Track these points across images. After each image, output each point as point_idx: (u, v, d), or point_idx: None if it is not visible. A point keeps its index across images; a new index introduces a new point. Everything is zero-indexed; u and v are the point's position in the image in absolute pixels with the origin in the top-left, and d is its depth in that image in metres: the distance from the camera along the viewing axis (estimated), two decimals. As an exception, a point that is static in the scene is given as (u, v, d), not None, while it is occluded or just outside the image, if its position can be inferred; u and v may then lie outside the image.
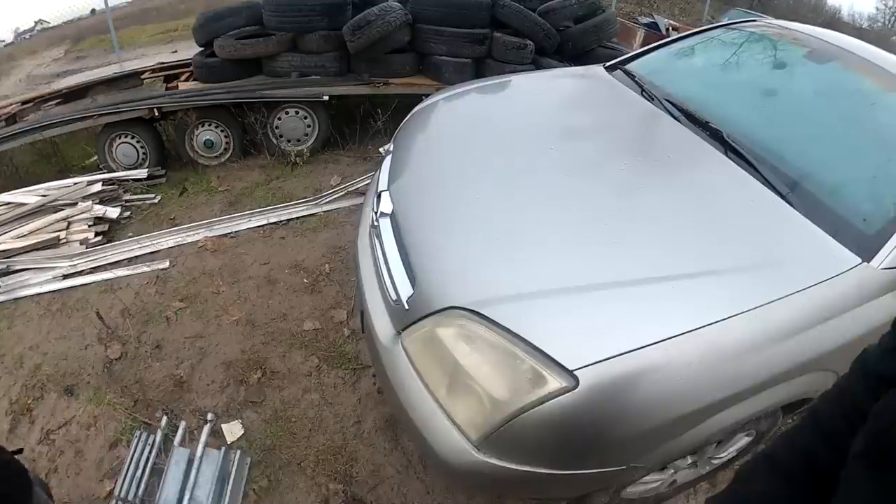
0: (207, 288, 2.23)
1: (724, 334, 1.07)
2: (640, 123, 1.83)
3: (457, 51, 3.25)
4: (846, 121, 1.77)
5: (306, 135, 3.32)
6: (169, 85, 3.24)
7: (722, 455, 1.51)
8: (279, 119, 3.20)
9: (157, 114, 3.00)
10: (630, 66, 2.19)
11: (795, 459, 0.60)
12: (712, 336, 1.06)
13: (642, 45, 4.00)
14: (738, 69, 2.09)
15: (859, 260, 1.23)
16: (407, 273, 1.30)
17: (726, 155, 1.56)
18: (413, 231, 1.39)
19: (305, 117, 3.27)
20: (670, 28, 4.31)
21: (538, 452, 1.11)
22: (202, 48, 3.29)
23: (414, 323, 1.22)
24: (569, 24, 3.46)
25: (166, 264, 2.35)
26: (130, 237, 2.56)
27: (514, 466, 1.10)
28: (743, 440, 1.49)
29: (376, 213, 1.52)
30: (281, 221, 2.70)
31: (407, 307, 1.24)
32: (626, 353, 1.01)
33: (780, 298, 1.13)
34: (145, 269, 2.32)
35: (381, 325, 1.35)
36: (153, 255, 2.43)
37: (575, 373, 1.00)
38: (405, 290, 1.27)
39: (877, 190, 1.47)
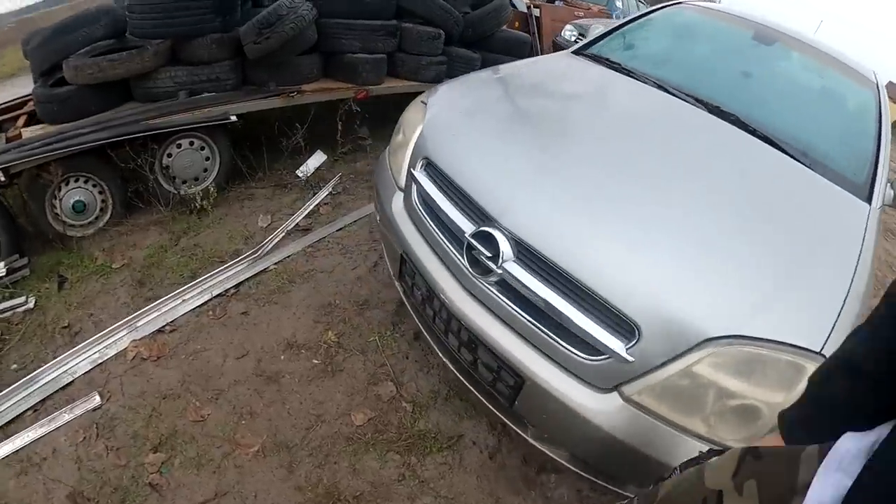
0: (182, 418, 1.57)
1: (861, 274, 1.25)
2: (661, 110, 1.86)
3: (372, 46, 2.83)
4: (814, 95, 2.14)
5: (205, 170, 2.56)
6: (8, 135, 2.12)
7: None
8: (169, 156, 2.39)
9: None
10: (595, 51, 2.28)
11: (876, 356, 0.57)
12: (860, 281, 1.22)
13: (511, 25, 4.11)
14: (710, 54, 2.30)
15: (867, 205, 1.55)
16: (602, 320, 1.11)
17: (755, 136, 1.71)
18: (579, 265, 1.14)
19: (202, 148, 2.51)
20: (531, 6, 4.41)
21: None
22: (42, 76, 2.23)
23: (645, 374, 1.09)
24: (467, 10, 3.28)
25: (96, 400, 1.58)
26: (17, 371, 1.65)
27: None
28: None
29: (498, 257, 1.20)
30: (229, 291, 2.03)
31: (632, 360, 1.07)
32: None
33: (865, 245, 1.34)
34: (67, 417, 1.52)
35: (573, 391, 1.16)
36: (67, 392, 1.60)
37: (822, 352, 1.03)
38: (616, 344, 1.08)
39: (849, 149, 1.84)
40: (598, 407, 1.12)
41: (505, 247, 1.20)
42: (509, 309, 1.22)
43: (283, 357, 1.78)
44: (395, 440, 1.56)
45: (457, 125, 1.59)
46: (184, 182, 2.48)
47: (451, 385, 1.75)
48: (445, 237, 1.37)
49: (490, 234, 1.22)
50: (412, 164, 1.55)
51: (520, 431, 1.36)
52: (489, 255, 1.20)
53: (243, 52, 2.47)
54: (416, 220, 1.50)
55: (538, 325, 1.18)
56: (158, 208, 2.40)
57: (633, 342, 1.07)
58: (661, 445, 1.09)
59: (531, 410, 1.28)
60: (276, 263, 2.20)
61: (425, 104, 1.72)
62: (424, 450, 1.55)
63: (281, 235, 2.37)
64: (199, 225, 2.40)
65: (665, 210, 1.27)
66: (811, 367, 1.00)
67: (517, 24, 4.28)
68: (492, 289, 1.24)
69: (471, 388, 1.43)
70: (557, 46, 4.15)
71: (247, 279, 2.10)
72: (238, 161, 2.64)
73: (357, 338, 1.87)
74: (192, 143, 2.45)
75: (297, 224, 2.43)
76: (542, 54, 4.05)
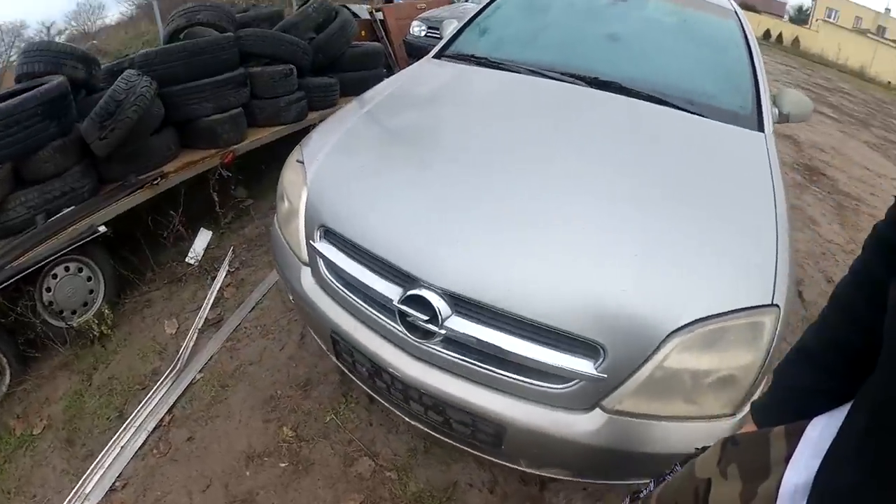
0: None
1: (780, 208, 1.37)
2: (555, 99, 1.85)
3: (224, 103, 2.63)
4: (682, 39, 2.23)
5: (91, 292, 2.31)
6: None
7: None
8: (48, 290, 2.12)
9: None
10: (456, 50, 2.26)
11: (823, 345, 0.66)
12: (782, 217, 1.34)
13: (358, 37, 3.97)
14: (572, 23, 2.34)
15: (762, 133, 1.71)
16: (564, 349, 1.12)
17: (640, 98, 1.80)
18: (522, 303, 1.11)
19: (81, 270, 2.25)
20: (373, 11, 4.27)
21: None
22: None
23: (621, 384, 1.11)
24: (312, 36, 3.13)
25: None
26: None
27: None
28: None
29: (437, 317, 1.14)
30: (164, 420, 1.88)
31: (605, 376, 1.09)
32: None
33: (773, 172, 1.49)
34: None
35: (555, 421, 1.16)
36: None
37: (774, 301, 1.10)
38: (585, 366, 1.10)
39: (729, 83, 1.98)
40: (584, 428, 1.14)
41: (440, 305, 1.13)
42: (466, 364, 1.18)
43: (248, 473, 1.69)
44: (386, 504, 1.56)
45: (344, 180, 1.46)
46: (73, 312, 2.23)
47: (425, 437, 1.74)
48: (373, 308, 1.28)
49: (420, 297, 1.14)
50: (309, 235, 1.42)
51: (513, 465, 1.35)
52: (426, 317, 1.13)
53: (92, 152, 2.22)
54: (334, 294, 1.39)
55: (500, 371, 1.16)
56: (58, 350, 2.15)
57: (601, 360, 1.08)
58: (656, 438, 1.13)
59: (520, 449, 1.27)
60: (200, 371, 2.05)
61: (302, 162, 1.57)
62: (425, 512, 1.56)
63: (194, 337, 2.20)
64: (105, 354, 2.18)
65: (583, 217, 1.25)
66: (770, 319, 1.08)
67: (363, 33, 4.16)
68: (441, 349, 1.19)
69: (449, 441, 1.38)
70: (409, 46, 4.08)
71: (177, 400, 1.94)
72: (122, 270, 2.39)
73: (314, 423, 1.81)
74: (68, 270, 2.19)
75: (206, 319, 2.27)
76: (395, 59, 3.96)
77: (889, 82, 19.16)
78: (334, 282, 1.37)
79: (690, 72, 2.05)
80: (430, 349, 1.20)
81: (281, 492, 1.62)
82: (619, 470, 1.28)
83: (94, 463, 1.73)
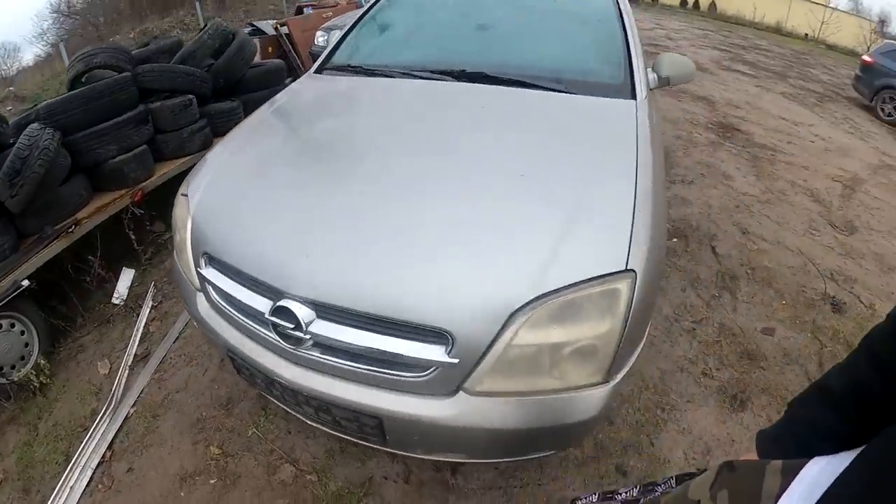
0: None
1: (645, 175, 1.41)
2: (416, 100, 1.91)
3: (127, 143, 2.69)
4: (553, 17, 2.31)
5: (27, 345, 2.40)
6: None
7: None
8: (-20, 352, 2.21)
9: None
10: (336, 62, 2.29)
11: (844, 387, 0.64)
12: (646, 183, 1.38)
13: (266, 53, 3.98)
14: (444, 17, 2.41)
15: (633, 101, 1.79)
16: (416, 339, 1.16)
17: (508, 85, 1.87)
18: (370, 301, 1.18)
19: (13, 325, 2.33)
20: (278, 26, 4.26)
21: (639, 330, 1.23)
22: None
23: (476, 366, 1.14)
24: (211, 62, 3.15)
25: None
26: None
27: (629, 359, 1.24)
28: None
29: (301, 324, 1.22)
30: (105, 456, 2.00)
31: (457, 361, 1.13)
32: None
33: (640, 141, 1.54)
34: None
35: (421, 409, 1.20)
36: None
37: (628, 267, 1.13)
38: (437, 353, 1.14)
39: (602, 54, 2.07)
40: (449, 411, 1.17)
41: (302, 312, 1.19)
42: (337, 364, 1.24)
43: (182, 494, 1.82)
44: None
45: (220, 207, 1.53)
46: (12, 367, 2.33)
47: (339, 439, 1.83)
48: (253, 322, 1.36)
49: (285, 307, 1.21)
50: (196, 263, 1.50)
51: (409, 454, 1.44)
52: (291, 325, 1.20)
53: (7, 210, 2.27)
54: (223, 314, 1.48)
55: (368, 367, 1.22)
56: (3, 405, 2.25)
57: (450, 346, 1.11)
58: (526, 414, 1.15)
59: (404, 438, 1.33)
60: (133, 406, 2.16)
61: (186, 196, 1.65)
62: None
63: (125, 375, 2.31)
64: (48, 403, 2.29)
65: (435, 214, 1.29)
66: (624, 285, 1.10)
67: (271, 50, 4.14)
68: (313, 353, 1.25)
69: (346, 437, 1.47)
70: (315, 56, 4.11)
71: (115, 435, 2.07)
72: (53, 320, 2.49)
73: (237, 438, 1.95)
74: (0, 327, 2.28)
75: (135, 355, 2.39)
76: (304, 72, 3.99)
77: (806, 34, 19.45)
78: (222, 303, 1.45)
79: (561, 51, 2.12)
80: (304, 354, 1.26)
81: (222, 497, 1.76)
82: (510, 446, 1.30)
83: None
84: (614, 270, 1.11)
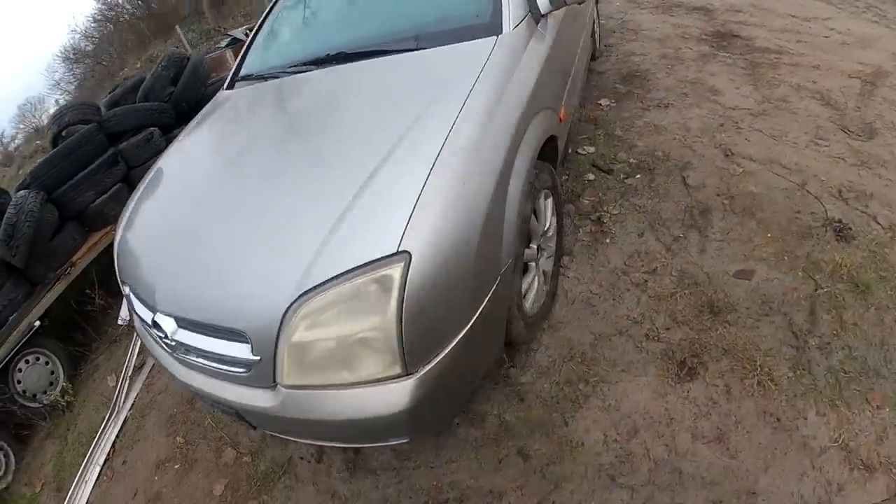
0: None
1: (466, 131, 1.15)
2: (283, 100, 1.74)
3: (103, 185, 2.71)
4: None
5: (53, 373, 2.54)
6: None
7: (548, 229, 1.64)
8: (19, 382, 2.40)
9: None
10: (245, 72, 2.06)
11: None
12: (461, 141, 1.13)
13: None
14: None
15: (495, 37, 1.42)
16: (229, 340, 1.13)
17: (369, 57, 1.58)
18: (193, 308, 1.19)
19: (38, 359, 2.49)
20: (247, 32, 4.05)
21: (441, 317, 1.03)
22: None
23: (275, 362, 1.07)
24: (171, 90, 3.03)
25: None
26: None
27: (442, 348, 1.05)
28: (546, 203, 1.61)
29: (167, 333, 1.25)
30: (110, 453, 2.12)
31: (258, 358, 1.07)
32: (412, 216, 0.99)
33: (476, 89, 1.24)
34: None
35: (256, 400, 1.15)
36: None
37: (401, 248, 0.96)
38: (243, 351, 1.10)
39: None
40: (275, 402, 1.11)
41: (164, 322, 1.23)
42: (202, 364, 1.24)
43: (156, 478, 1.88)
44: (249, 490, 1.66)
45: (131, 240, 1.55)
46: (44, 393, 2.48)
47: None
48: (150, 333, 1.40)
49: (156, 321, 1.25)
50: (123, 288, 1.55)
51: (285, 438, 1.44)
52: (163, 335, 1.25)
53: (13, 265, 2.38)
54: (140, 331, 1.54)
55: (216, 365, 1.20)
56: (41, 425, 2.45)
57: (251, 345, 1.07)
58: (331, 406, 1.05)
59: (263, 424, 1.30)
60: (130, 409, 2.26)
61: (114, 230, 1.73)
62: (270, 485, 1.64)
63: (126, 385, 2.38)
64: (73, 417, 2.44)
65: (248, 219, 1.24)
66: (397, 270, 0.94)
67: None
68: (189, 356, 1.26)
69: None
70: None
71: (117, 436, 2.16)
72: (72, 348, 2.61)
73: (197, 428, 1.96)
74: (28, 362, 2.44)
75: (133, 367, 2.44)
76: None
77: None
78: (136, 318, 1.49)
79: (422, 6, 1.73)
80: (184, 357, 1.28)
81: (176, 487, 1.81)
82: (338, 436, 1.21)
83: (66, 498, 2.01)
84: (383, 255, 0.95)
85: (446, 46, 1.47)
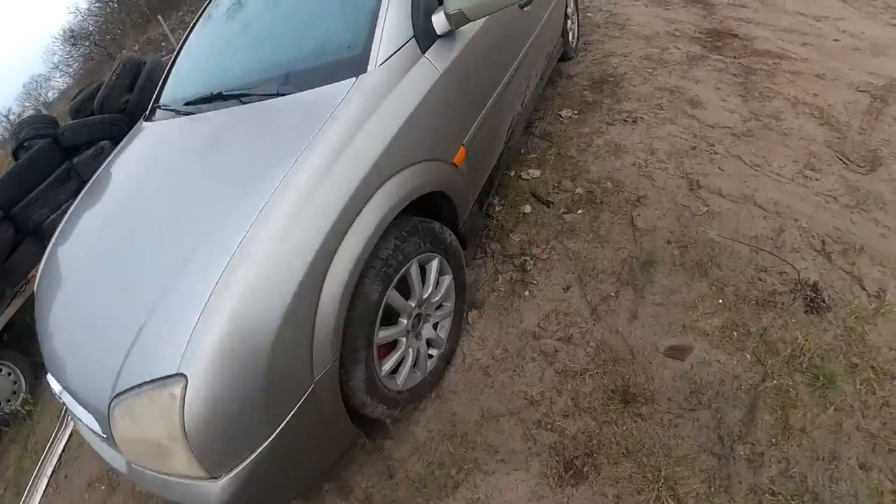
0: None
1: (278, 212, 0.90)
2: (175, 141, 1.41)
3: (57, 201, 2.49)
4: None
5: (15, 382, 2.45)
6: None
7: (432, 295, 1.29)
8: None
9: None
10: (162, 101, 1.68)
11: None
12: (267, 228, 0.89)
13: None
14: (228, 26, 1.71)
15: (354, 78, 1.08)
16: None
17: (240, 101, 1.26)
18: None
19: (0, 369, 2.38)
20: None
21: (232, 429, 0.88)
22: None
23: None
24: (127, 98, 2.73)
25: None
26: None
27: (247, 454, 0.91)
28: (431, 265, 1.27)
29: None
30: (55, 468, 1.99)
31: (105, 436, 1.00)
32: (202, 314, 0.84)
33: (302, 159, 0.95)
34: None
35: (119, 465, 1.05)
36: None
37: (179, 370, 0.83)
38: (93, 423, 1.02)
39: (344, 27, 1.27)
40: (127, 470, 1.02)
41: (52, 381, 1.17)
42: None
43: (87, 496, 1.76)
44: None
45: (40, 288, 1.37)
46: (8, 401, 2.40)
47: None
48: None
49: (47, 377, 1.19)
50: None
51: None
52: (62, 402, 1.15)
53: None
54: None
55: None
56: (5, 430, 2.37)
57: (98, 422, 1.00)
58: (176, 492, 0.95)
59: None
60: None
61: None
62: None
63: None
64: (33, 426, 2.35)
65: (95, 307, 1.08)
66: (177, 388, 0.82)
67: None
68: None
69: None
70: None
71: (63, 449, 2.05)
72: (33, 359, 2.49)
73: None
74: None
75: None
76: None
77: None
78: None
79: (302, 36, 1.34)
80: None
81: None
82: None
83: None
84: (164, 375, 0.84)
85: (305, 92, 1.12)
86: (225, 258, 0.86)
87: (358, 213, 0.96)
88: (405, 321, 1.21)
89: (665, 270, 1.56)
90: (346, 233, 0.94)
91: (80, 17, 17.31)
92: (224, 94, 1.30)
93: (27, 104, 19.49)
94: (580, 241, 1.72)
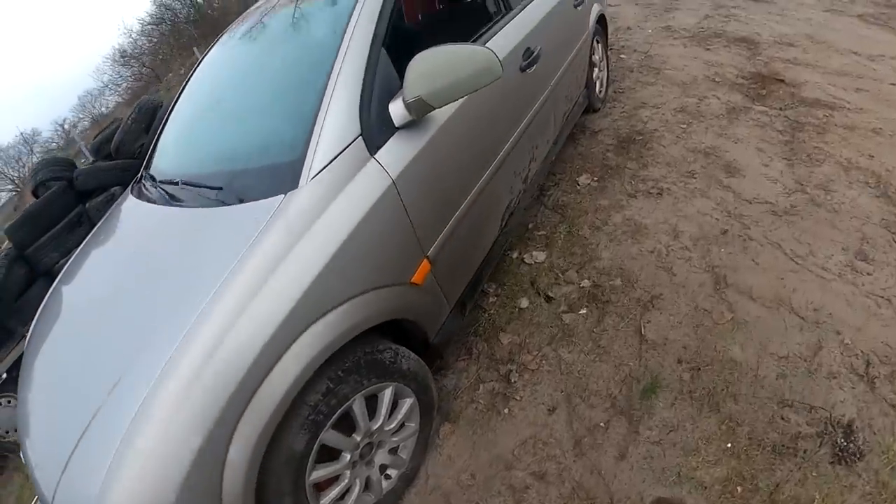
0: None
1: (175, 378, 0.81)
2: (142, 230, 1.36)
3: (68, 245, 2.60)
4: (282, 67, 1.40)
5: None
6: None
7: (383, 424, 1.17)
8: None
9: None
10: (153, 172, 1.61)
11: None
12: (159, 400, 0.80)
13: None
14: (209, 96, 1.63)
15: (283, 197, 0.98)
16: None
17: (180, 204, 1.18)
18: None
19: (10, 401, 2.54)
20: None
21: None
22: None
23: None
24: (142, 143, 2.81)
25: None
26: None
27: None
28: (384, 394, 1.15)
29: None
30: None
31: None
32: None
33: (205, 310, 0.86)
34: None
35: None
36: None
37: None
38: None
39: (286, 128, 1.15)
40: None
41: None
42: None
43: None
44: None
45: (24, 366, 1.28)
46: (16, 431, 2.53)
47: None
48: None
49: None
50: None
51: None
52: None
53: None
54: None
55: None
56: (11, 457, 2.55)
57: None
58: None
59: None
60: None
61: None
62: None
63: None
64: None
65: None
66: None
67: None
68: None
69: None
70: None
71: None
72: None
73: None
74: (0, 404, 2.47)
75: None
76: None
77: None
78: None
79: (245, 133, 1.26)
80: None
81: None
82: None
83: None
84: None
85: (231, 208, 1.04)
86: (134, 407, 0.79)
87: (273, 366, 0.86)
88: (348, 456, 1.10)
89: (669, 399, 1.36)
90: (255, 391, 0.84)
91: (130, 39, 18.73)
92: (168, 193, 1.24)
93: (81, 115, 21.35)
94: (577, 350, 1.54)
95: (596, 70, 2.53)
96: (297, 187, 0.98)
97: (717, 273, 1.67)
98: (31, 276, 2.54)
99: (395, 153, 1.11)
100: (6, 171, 20.23)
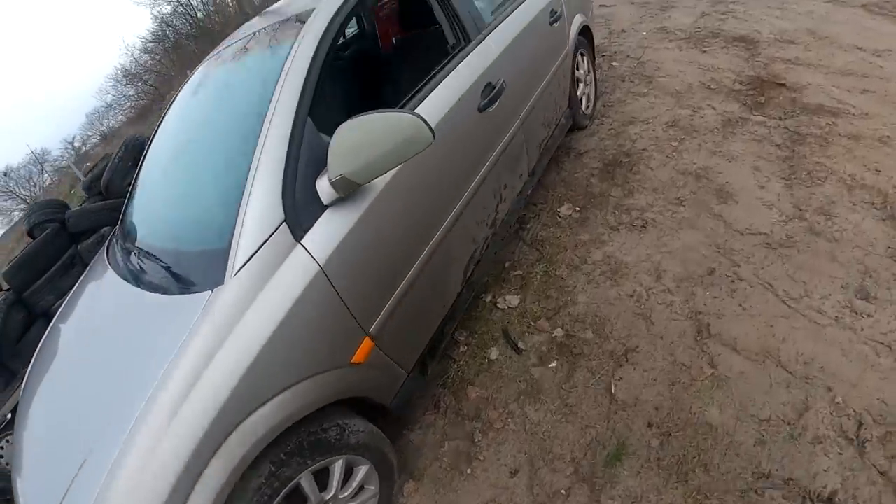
0: None
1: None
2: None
3: (61, 286, 2.67)
4: (218, 129, 1.40)
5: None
6: None
7: (337, 493, 1.16)
8: (1, 458, 2.57)
9: None
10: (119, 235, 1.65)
11: None
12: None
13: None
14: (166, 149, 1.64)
15: (209, 293, 0.96)
16: None
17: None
18: None
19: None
20: None
21: None
22: None
23: None
24: (130, 180, 2.86)
25: None
26: None
27: None
28: (335, 466, 1.14)
29: None
30: None
31: None
32: None
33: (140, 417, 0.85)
34: None
35: None
36: None
37: None
38: None
39: (215, 210, 1.14)
40: None
41: None
42: None
43: None
44: None
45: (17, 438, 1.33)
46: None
47: None
48: None
49: None
50: None
51: None
52: None
53: None
54: None
55: None
56: None
57: None
58: None
59: None
60: None
61: None
62: None
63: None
64: None
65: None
66: None
67: None
68: None
69: None
70: None
71: None
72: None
73: None
74: (8, 441, 2.59)
75: None
76: None
77: None
78: None
79: (181, 215, 1.28)
80: None
81: None
82: None
83: None
84: None
85: (168, 297, 1.05)
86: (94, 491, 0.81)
87: (209, 461, 0.86)
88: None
89: (635, 467, 1.29)
90: (200, 474, 0.85)
91: (132, 58, 19.38)
92: (128, 267, 1.26)
93: (90, 132, 22.27)
94: (543, 409, 1.49)
95: (581, 86, 2.41)
96: (222, 283, 0.96)
97: (700, 321, 1.57)
98: (29, 319, 2.65)
99: (324, 234, 1.07)
100: (18, 190, 21.15)
